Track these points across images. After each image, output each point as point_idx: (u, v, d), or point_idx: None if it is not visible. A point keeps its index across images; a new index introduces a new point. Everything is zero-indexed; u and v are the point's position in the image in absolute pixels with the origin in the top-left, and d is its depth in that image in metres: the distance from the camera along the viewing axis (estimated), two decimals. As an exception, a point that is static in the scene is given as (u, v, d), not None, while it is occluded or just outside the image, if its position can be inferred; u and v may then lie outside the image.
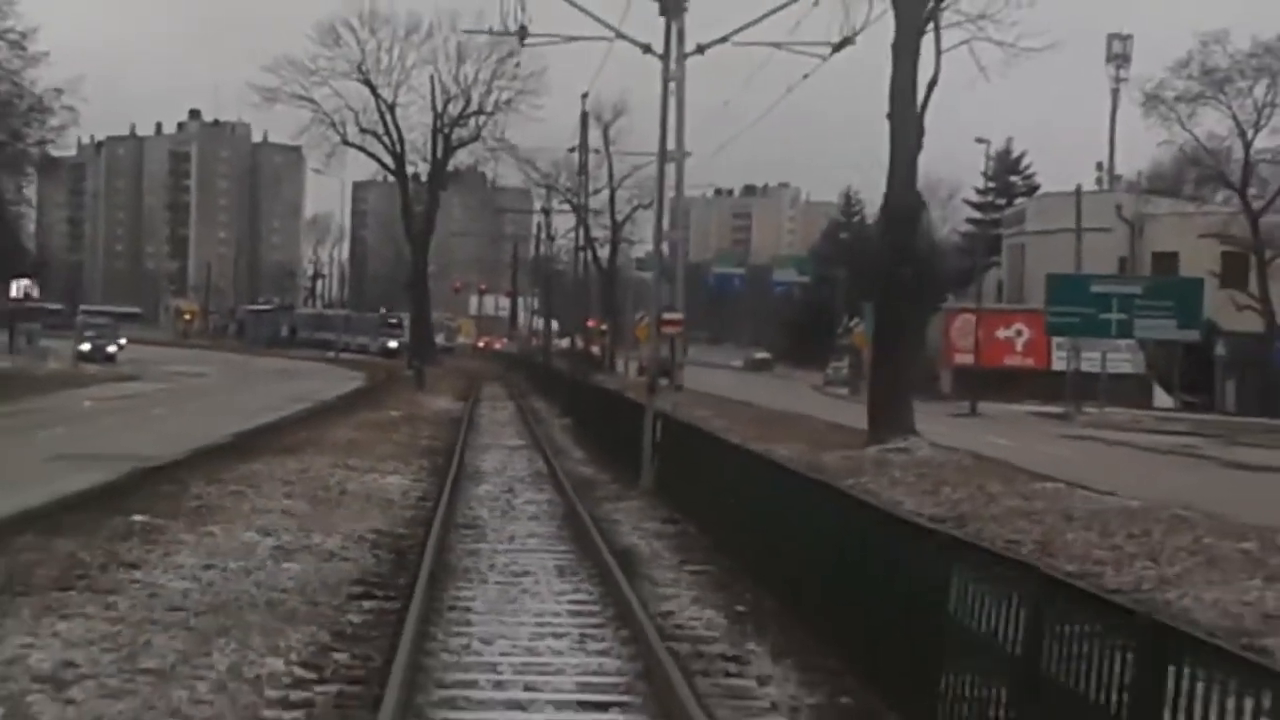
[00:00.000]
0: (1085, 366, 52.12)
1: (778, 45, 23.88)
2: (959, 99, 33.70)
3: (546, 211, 78.47)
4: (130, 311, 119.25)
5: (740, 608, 11.91)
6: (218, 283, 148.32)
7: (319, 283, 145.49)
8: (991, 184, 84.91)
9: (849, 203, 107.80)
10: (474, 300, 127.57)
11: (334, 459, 22.83)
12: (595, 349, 76.27)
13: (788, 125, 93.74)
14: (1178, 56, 50.65)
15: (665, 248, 25.91)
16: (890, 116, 27.37)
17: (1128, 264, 64.80)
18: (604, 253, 79.16)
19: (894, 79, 27.23)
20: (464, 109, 70.73)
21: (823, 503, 11.34)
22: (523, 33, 27.83)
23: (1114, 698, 5.97)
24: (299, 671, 9.22)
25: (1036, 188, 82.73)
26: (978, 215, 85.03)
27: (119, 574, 11.91)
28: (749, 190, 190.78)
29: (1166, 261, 61.97)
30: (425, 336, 74.10)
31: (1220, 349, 52.60)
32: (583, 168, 58.34)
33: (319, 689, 8.82)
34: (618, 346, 76.46)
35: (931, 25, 27.94)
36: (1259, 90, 50.08)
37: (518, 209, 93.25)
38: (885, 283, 29.31)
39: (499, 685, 9.13)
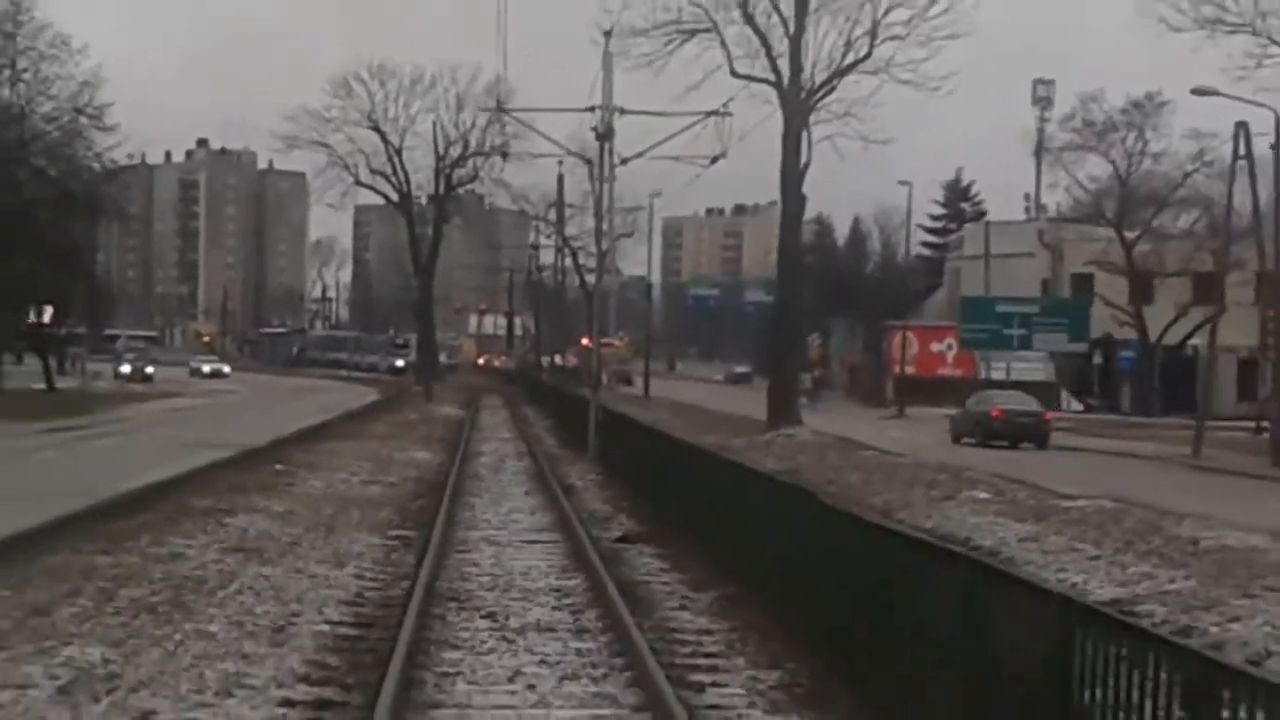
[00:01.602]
0: (996, 375, 62.62)
1: (676, 158, 34.41)
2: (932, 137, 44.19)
3: (535, 247, 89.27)
4: (148, 335, 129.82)
5: (623, 503, 22.55)
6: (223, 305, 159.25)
7: (322, 304, 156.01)
8: (945, 210, 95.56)
9: (820, 225, 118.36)
10: (474, 319, 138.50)
11: (377, 444, 33.42)
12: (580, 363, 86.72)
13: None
14: (1064, 112, 61.32)
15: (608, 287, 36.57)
16: (781, 189, 38.10)
17: (1050, 285, 75.35)
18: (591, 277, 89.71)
19: (783, 162, 37.97)
20: (463, 152, 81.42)
21: (683, 454, 21.54)
22: (500, 108, 38.45)
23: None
24: (393, 518, 19.80)
25: (984, 214, 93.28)
26: (933, 239, 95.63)
27: (284, 487, 22.50)
28: (739, 209, 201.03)
29: (1082, 282, 72.36)
30: (431, 355, 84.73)
31: (1097, 358, 63.13)
32: (560, 218, 68.96)
33: (400, 531, 19.30)
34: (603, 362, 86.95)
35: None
36: (1130, 141, 60.58)
37: (513, 245, 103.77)
38: (776, 317, 40.03)
39: (489, 529, 19.70)
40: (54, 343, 65.42)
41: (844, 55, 38.53)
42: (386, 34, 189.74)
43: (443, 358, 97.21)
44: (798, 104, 37.44)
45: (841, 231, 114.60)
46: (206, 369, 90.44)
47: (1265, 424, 52.51)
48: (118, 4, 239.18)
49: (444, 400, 62.95)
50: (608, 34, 31.12)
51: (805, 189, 37.57)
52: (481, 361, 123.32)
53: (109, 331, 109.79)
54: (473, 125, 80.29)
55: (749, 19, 38.10)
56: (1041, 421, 43.39)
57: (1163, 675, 6.07)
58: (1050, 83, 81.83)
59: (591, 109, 30.70)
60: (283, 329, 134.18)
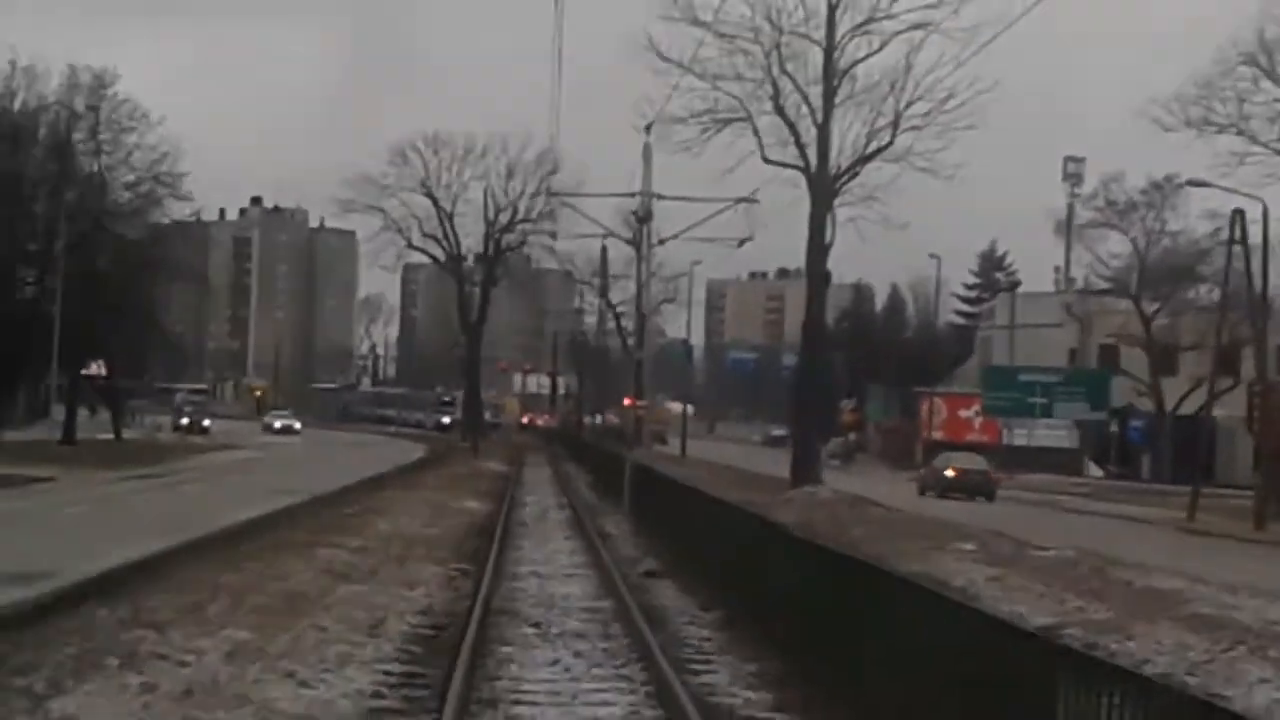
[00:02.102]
0: (1019, 441, 65.91)
1: (709, 240, 38.03)
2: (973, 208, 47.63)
3: (579, 311, 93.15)
4: (199, 388, 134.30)
5: (651, 547, 25.96)
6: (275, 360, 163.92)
7: (373, 361, 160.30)
8: (979, 280, 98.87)
9: (858, 294, 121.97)
10: (518, 379, 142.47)
11: (431, 493, 36.94)
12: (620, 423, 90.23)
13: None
14: (1087, 191, 64.81)
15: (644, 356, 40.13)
16: (807, 266, 41.56)
17: (1077, 355, 78.47)
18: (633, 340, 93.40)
19: (809, 240, 41.46)
20: (512, 218, 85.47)
21: (710, 508, 24.83)
22: (551, 191, 42.11)
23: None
24: (452, 555, 23.26)
25: (1018, 284, 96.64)
26: (967, 309, 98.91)
27: (357, 527, 26.00)
28: (783, 273, 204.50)
29: (1108, 353, 75.48)
30: (477, 413, 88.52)
31: (1114, 427, 66.26)
32: (604, 287, 72.77)
33: (459, 564, 22.72)
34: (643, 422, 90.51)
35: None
36: (1149, 219, 63.83)
37: (559, 306, 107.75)
38: (798, 383, 43.41)
39: (534, 564, 23.12)
40: (115, 396, 69.40)
41: (867, 144, 42.23)
42: (436, 99, 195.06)
43: (487, 416, 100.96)
44: (824, 188, 41.05)
45: (881, 298, 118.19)
46: (278, 424, 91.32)
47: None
48: (179, 64, 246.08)
49: (490, 456, 66.50)
50: (648, 128, 34.80)
51: (843, 257, 41.53)
52: (526, 420, 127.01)
53: (162, 385, 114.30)
54: (522, 193, 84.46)
55: (779, 110, 41.84)
56: (989, 479, 49.92)
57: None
58: (1081, 160, 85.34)
59: (633, 194, 34.38)
60: (333, 385, 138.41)
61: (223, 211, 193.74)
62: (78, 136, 54.61)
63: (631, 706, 12.19)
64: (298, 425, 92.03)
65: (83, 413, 62.04)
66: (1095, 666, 8.56)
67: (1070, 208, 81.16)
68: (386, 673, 12.77)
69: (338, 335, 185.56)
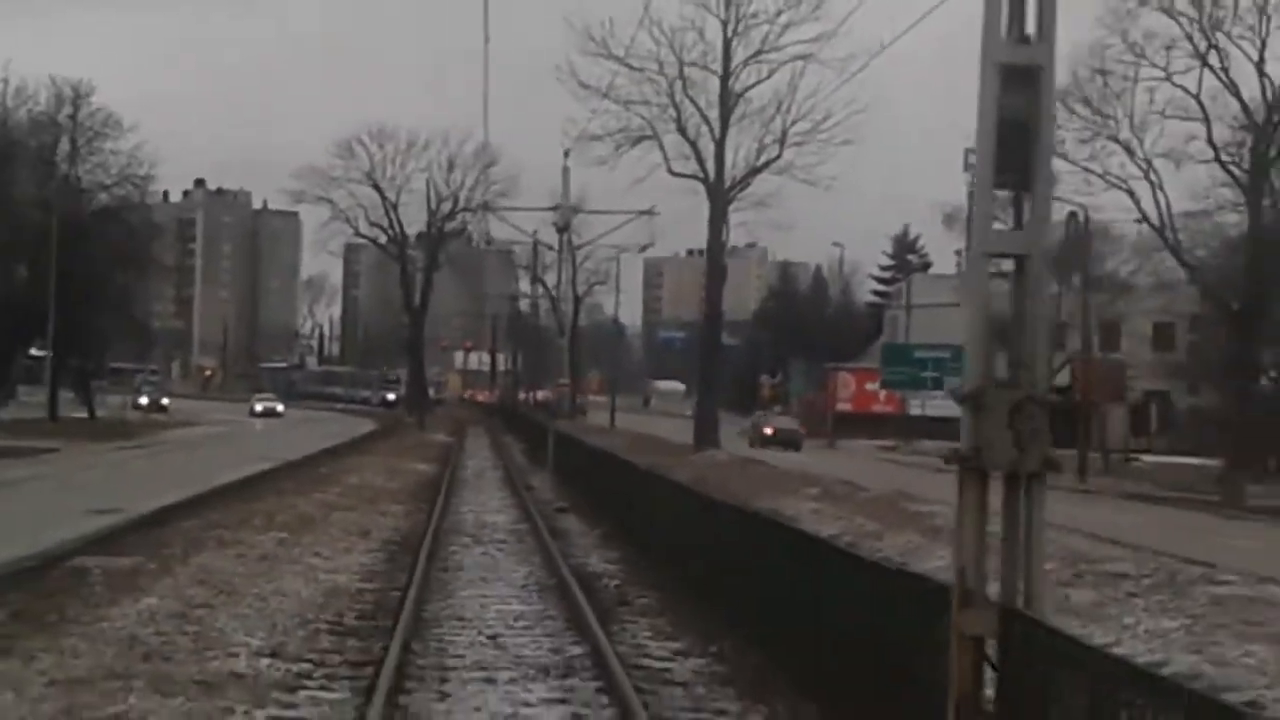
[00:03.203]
0: (916, 411, 74.02)
1: (616, 248, 45.62)
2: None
3: (514, 298, 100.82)
4: (151, 369, 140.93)
5: (564, 494, 33.72)
6: (220, 340, 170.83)
7: (319, 340, 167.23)
8: (893, 262, 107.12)
9: (785, 274, 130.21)
10: (459, 356, 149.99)
11: (386, 460, 44.47)
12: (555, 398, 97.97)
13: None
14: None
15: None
16: (707, 261, 49.26)
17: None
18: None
19: (709, 241, 49.21)
20: (453, 207, 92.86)
21: (610, 463, 32.58)
22: (486, 206, 49.68)
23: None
24: (405, 506, 30.93)
25: (929, 265, 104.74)
26: (882, 289, 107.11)
27: (330, 482, 33.58)
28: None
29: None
30: (421, 389, 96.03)
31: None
32: (534, 278, 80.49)
33: (415, 505, 30.36)
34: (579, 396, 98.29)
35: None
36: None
37: (498, 286, 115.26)
38: (701, 359, 51.19)
39: (473, 510, 30.82)
40: (86, 378, 76.34)
41: (758, 157, 50.16)
42: (371, 83, 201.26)
43: (431, 392, 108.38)
44: (720, 196, 48.89)
45: (805, 279, 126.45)
46: (259, 407, 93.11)
47: (1133, 454, 64.15)
48: (121, 45, 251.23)
49: (434, 429, 74.08)
50: (566, 152, 42.36)
51: (776, 236, 49.02)
52: (467, 395, 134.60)
53: (114, 365, 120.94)
54: (462, 183, 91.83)
55: (682, 130, 49.75)
56: (798, 435, 67.60)
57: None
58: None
59: (554, 208, 41.95)
60: (282, 364, 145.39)
61: (166, 194, 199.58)
62: (62, 147, 61.84)
63: (530, 572, 19.95)
64: (280, 408, 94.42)
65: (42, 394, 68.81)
66: (841, 554, 16.28)
67: (970, 196, 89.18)
68: (375, 555, 20.46)
69: (282, 315, 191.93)
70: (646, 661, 13.14)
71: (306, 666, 12.14)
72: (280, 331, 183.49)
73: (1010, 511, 8.06)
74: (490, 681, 12.15)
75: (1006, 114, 7.73)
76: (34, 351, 68.22)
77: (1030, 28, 7.68)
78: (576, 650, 13.61)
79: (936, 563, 20.90)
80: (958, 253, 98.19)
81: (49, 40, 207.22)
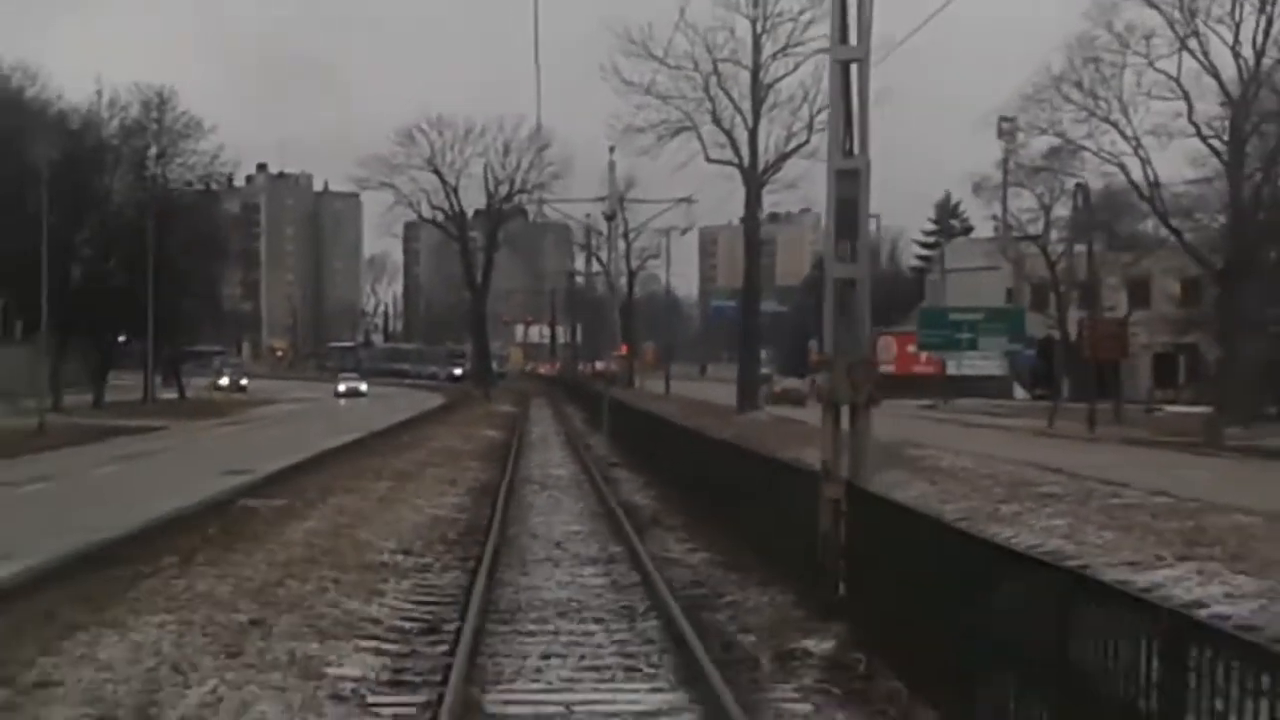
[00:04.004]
0: (961, 371, 79.24)
1: (664, 230, 50.94)
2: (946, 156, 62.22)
3: (571, 275, 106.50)
4: (220, 351, 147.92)
5: (617, 451, 39.32)
6: (288, 321, 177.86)
7: (384, 319, 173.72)
8: (936, 226, 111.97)
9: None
10: (520, 329, 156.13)
11: (460, 429, 50.20)
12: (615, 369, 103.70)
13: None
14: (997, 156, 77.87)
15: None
16: (745, 239, 54.63)
17: (1013, 294, 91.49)
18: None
19: (746, 221, 54.52)
20: (510, 190, 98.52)
21: (655, 424, 38.04)
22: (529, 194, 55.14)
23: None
24: (482, 464, 36.64)
25: (971, 229, 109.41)
26: (926, 253, 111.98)
27: (417, 446, 39.33)
28: (772, 217, 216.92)
29: (1040, 290, 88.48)
30: (486, 364, 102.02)
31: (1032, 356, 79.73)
32: (589, 257, 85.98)
33: (491, 463, 36.05)
34: (637, 367, 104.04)
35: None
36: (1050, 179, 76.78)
37: (557, 259, 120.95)
38: (743, 330, 56.55)
39: (539, 466, 36.49)
40: (170, 361, 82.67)
41: (787, 142, 55.62)
42: (429, 71, 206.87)
43: (494, 366, 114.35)
44: (754, 180, 54.30)
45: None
46: (343, 387, 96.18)
47: (1155, 405, 69.04)
48: (179, 31, 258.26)
49: (500, 401, 79.93)
50: (612, 149, 47.83)
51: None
52: (530, 368, 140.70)
53: (189, 349, 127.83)
54: (518, 166, 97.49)
55: (717, 121, 55.32)
56: (801, 393, 72.37)
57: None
58: (1013, 119, 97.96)
59: (603, 199, 47.49)
60: (350, 344, 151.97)
61: (230, 179, 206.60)
62: (151, 150, 68.05)
63: (585, 506, 25.57)
64: (363, 387, 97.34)
65: (126, 377, 74.90)
66: (786, 467, 21.70)
67: (1005, 162, 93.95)
68: (464, 498, 26.12)
69: (346, 294, 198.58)
70: (667, 555, 18.71)
71: (429, 560, 17.79)
72: (345, 310, 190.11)
73: (853, 427, 13.53)
74: (556, 566, 17.78)
75: (842, 195, 13.14)
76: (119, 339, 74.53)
77: (856, 148, 13.06)
78: (618, 549, 19.21)
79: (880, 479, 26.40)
80: (994, 218, 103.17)
81: (91, 32, 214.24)
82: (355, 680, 10.94)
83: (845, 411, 14.37)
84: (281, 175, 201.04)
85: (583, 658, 12.20)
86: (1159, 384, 79.40)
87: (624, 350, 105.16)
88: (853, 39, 12.92)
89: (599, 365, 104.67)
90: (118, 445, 42.39)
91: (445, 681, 10.76)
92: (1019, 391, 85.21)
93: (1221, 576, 15.18)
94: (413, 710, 10.25)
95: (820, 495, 13.38)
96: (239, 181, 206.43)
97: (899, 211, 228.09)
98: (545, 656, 12.18)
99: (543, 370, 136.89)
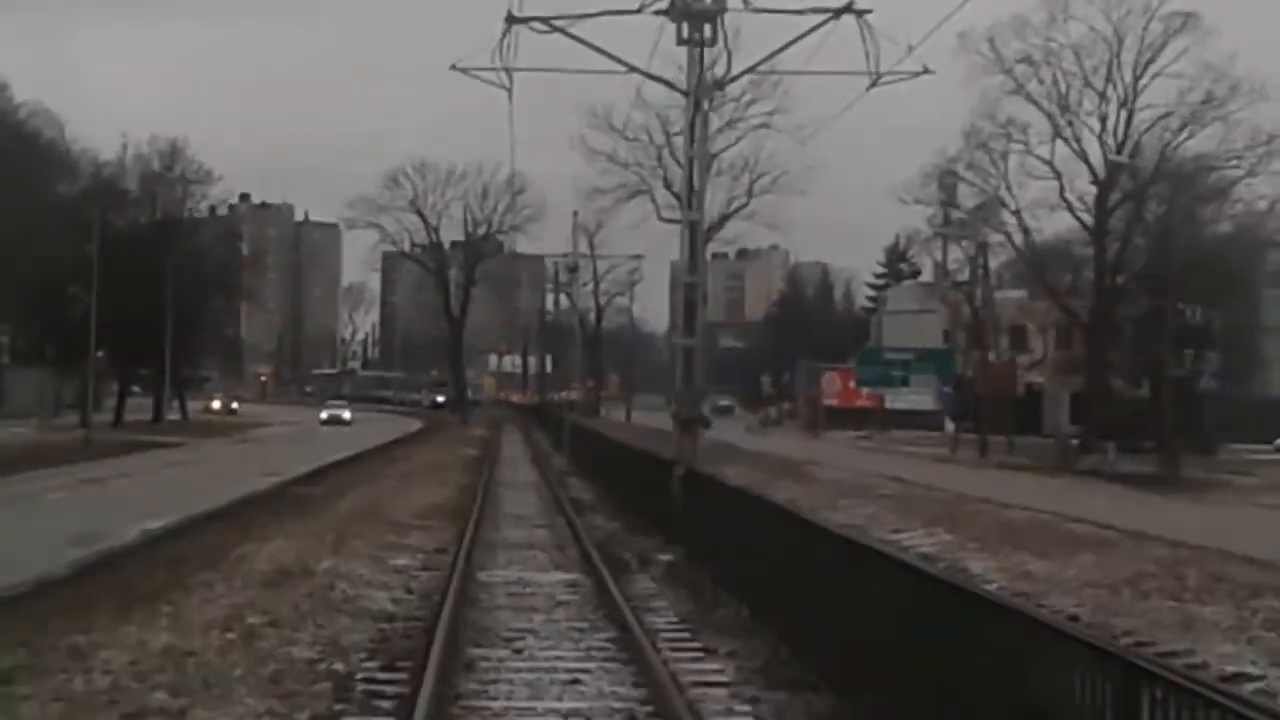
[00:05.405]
0: (890, 405, 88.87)
1: (609, 292, 60.34)
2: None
3: (543, 312, 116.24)
4: (206, 376, 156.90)
5: (574, 467, 48.71)
6: (269, 348, 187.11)
7: (363, 346, 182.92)
8: (885, 270, 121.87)
9: (792, 280, 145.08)
10: (493, 359, 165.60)
11: (439, 449, 59.46)
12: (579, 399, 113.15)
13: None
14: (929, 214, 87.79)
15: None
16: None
17: (950, 335, 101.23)
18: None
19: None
20: (488, 230, 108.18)
21: (603, 442, 47.18)
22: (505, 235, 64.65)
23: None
24: (463, 473, 45.98)
25: (919, 273, 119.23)
26: (874, 294, 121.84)
27: (405, 461, 48.62)
28: (742, 253, 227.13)
29: (972, 333, 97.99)
30: (462, 391, 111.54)
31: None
32: (557, 296, 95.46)
33: (470, 475, 45.33)
34: (601, 396, 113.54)
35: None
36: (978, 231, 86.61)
37: (530, 290, 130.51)
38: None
39: (509, 474, 45.82)
40: (182, 386, 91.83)
41: (729, 204, 65.47)
42: (393, 102, 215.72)
43: (469, 394, 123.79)
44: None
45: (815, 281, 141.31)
46: (325, 415, 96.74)
47: (1069, 438, 78.51)
48: (160, 66, 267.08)
49: (476, 426, 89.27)
50: (575, 213, 57.42)
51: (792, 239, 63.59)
52: (501, 396, 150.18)
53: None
54: (495, 208, 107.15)
55: (668, 185, 64.91)
56: (707, 418, 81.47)
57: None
58: (954, 173, 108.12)
59: (566, 255, 56.99)
60: (332, 371, 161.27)
61: (213, 209, 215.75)
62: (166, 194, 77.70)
63: (542, 499, 35.00)
64: (347, 415, 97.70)
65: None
66: (663, 462, 31.06)
67: (945, 214, 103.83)
68: (451, 494, 35.44)
69: (324, 322, 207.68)
70: (593, 525, 28.17)
71: (433, 522, 27.17)
72: (324, 337, 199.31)
73: (688, 436, 22.98)
74: (517, 527, 27.27)
75: (685, 296, 22.48)
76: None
77: (695, 274, 22.45)
78: (560, 520, 28.67)
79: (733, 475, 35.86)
80: (936, 264, 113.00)
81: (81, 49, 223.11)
82: (403, 566, 20.33)
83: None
84: (264, 205, 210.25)
85: (530, 563, 21.64)
86: (1073, 419, 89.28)
87: (589, 382, 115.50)
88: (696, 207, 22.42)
89: (567, 394, 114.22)
90: (156, 456, 51.60)
91: (453, 570, 20.11)
92: (950, 425, 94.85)
93: (936, 536, 24.66)
94: (437, 580, 19.61)
95: (673, 475, 22.79)
96: (221, 210, 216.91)
97: (852, 253, 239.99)
98: (508, 564, 21.58)
99: (515, 398, 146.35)
